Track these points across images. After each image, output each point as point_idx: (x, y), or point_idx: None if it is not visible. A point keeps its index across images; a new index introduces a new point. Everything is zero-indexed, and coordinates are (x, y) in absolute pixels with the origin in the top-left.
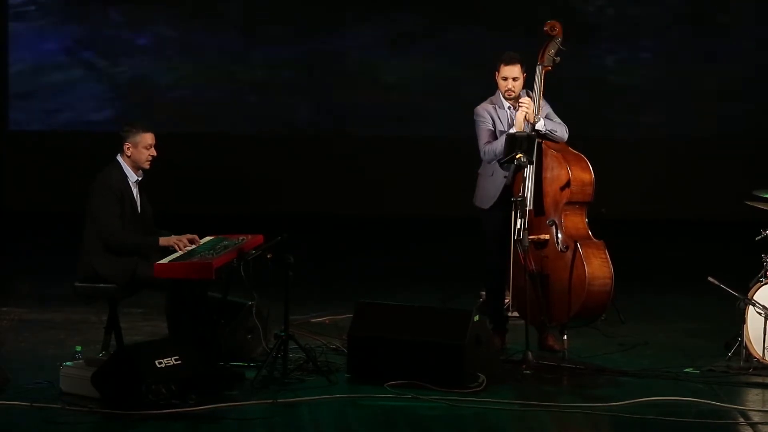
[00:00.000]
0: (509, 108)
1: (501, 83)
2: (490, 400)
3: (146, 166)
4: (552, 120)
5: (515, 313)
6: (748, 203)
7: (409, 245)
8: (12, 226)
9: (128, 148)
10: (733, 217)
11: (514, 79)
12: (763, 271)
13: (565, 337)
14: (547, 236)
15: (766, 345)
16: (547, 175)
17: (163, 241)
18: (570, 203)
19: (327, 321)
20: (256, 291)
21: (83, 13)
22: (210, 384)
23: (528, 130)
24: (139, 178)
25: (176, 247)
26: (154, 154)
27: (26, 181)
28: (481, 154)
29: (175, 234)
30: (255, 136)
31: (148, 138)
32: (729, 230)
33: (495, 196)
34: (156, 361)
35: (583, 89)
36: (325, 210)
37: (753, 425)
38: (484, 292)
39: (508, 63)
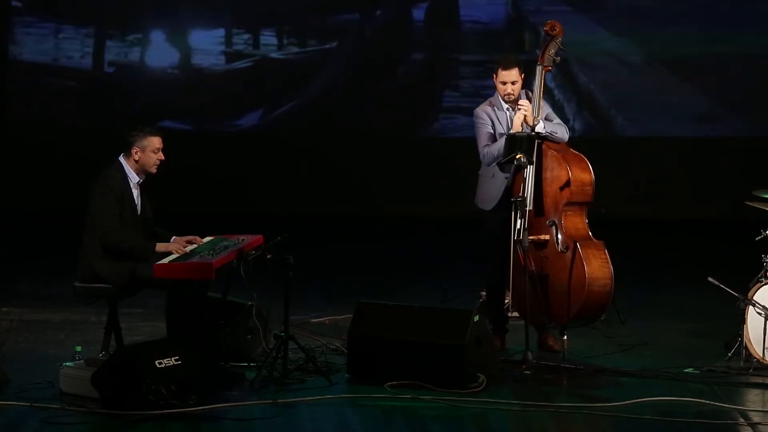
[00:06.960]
0: (508, 109)
1: (500, 87)
2: (490, 400)
3: (153, 170)
4: (551, 121)
5: (515, 314)
6: (748, 203)
7: (408, 245)
8: (12, 226)
9: (136, 152)
10: (733, 217)
11: (513, 83)
12: (763, 271)
13: (565, 337)
14: (547, 237)
15: (766, 345)
16: (547, 175)
17: (161, 247)
18: (570, 203)
19: (327, 321)
20: (255, 291)
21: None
22: (210, 384)
23: (528, 131)
24: (141, 180)
25: (174, 252)
26: (162, 158)
27: (26, 181)
28: (481, 156)
29: (174, 234)
30: (255, 136)
31: (156, 142)
32: (729, 230)
33: (497, 197)
34: (156, 361)
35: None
36: (324, 210)
37: (753, 425)
38: (484, 292)
39: (506, 67)
